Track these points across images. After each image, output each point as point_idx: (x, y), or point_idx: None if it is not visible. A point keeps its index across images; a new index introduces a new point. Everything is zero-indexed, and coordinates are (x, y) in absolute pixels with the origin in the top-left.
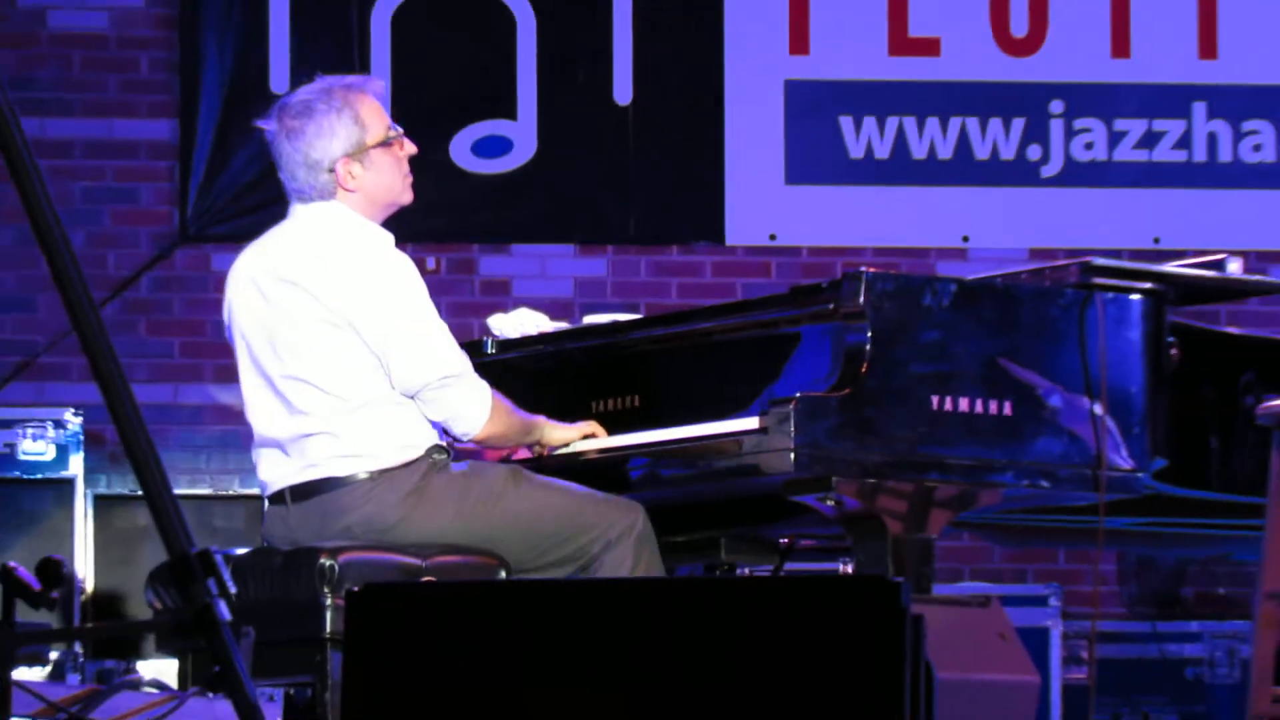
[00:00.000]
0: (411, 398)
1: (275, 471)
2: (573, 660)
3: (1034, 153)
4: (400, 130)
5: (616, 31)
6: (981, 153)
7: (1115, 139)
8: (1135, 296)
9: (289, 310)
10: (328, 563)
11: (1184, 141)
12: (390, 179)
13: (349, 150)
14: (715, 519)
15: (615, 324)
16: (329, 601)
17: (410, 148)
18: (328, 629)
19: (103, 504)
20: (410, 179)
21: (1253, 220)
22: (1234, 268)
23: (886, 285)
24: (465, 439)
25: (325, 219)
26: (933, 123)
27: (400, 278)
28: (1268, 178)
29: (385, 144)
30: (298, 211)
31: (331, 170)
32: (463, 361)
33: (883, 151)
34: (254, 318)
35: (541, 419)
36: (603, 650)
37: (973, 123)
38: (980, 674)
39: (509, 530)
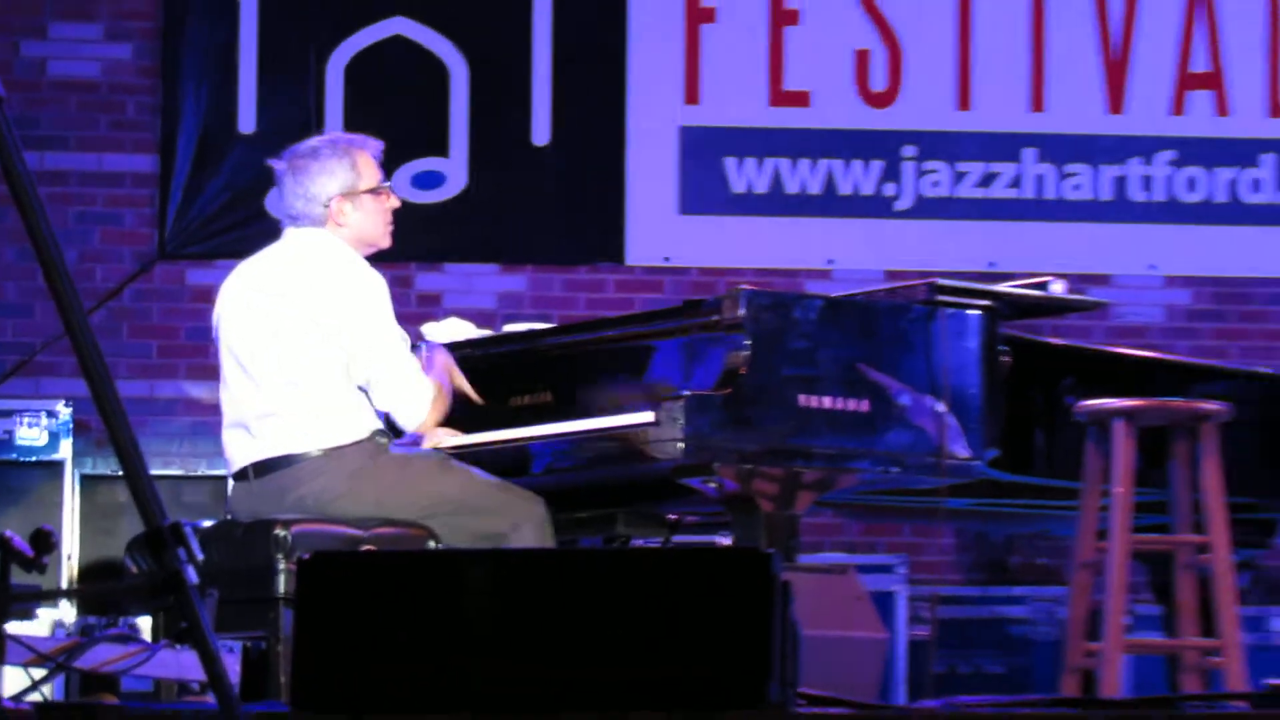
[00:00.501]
0: (367, 389)
1: (241, 450)
2: (491, 619)
3: (889, 189)
4: (389, 184)
5: (536, 82)
6: (844, 189)
7: (958, 178)
8: (973, 312)
9: (271, 312)
10: (282, 533)
11: (1016, 181)
12: (374, 222)
13: (344, 190)
14: (613, 498)
15: (531, 331)
16: (282, 567)
17: (395, 201)
18: (281, 590)
19: (88, 483)
20: (391, 227)
21: (1073, 248)
22: (1057, 288)
23: (763, 300)
24: (406, 429)
25: (313, 241)
26: (804, 163)
27: (374, 289)
28: (1086, 212)
29: (374, 192)
30: (289, 234)
31: (326, 205)
32: (412, 363)
33: (761, 187)
34: (241, 316)
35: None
36: (515, 610)
37: (838, 164)
38: (838, 631)
39: (436, 508)
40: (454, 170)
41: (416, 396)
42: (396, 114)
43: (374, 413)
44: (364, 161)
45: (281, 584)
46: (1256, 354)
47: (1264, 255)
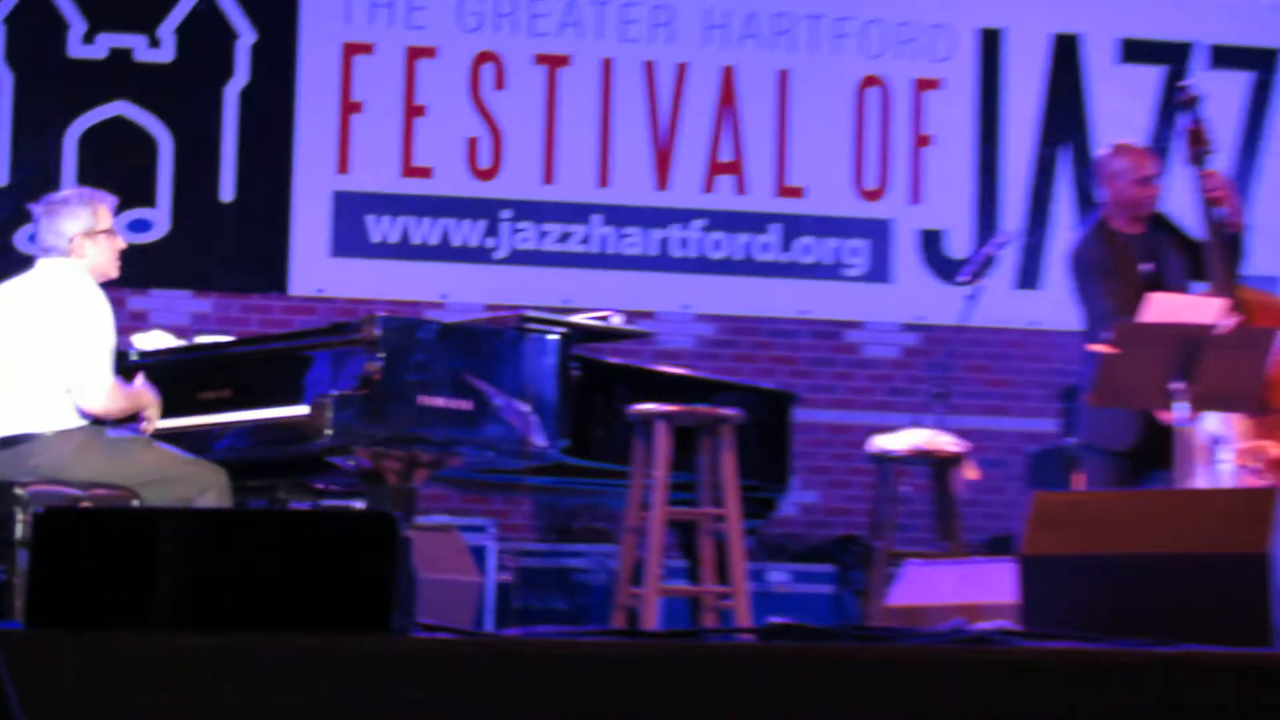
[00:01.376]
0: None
1: None
2: (180, 559)
3: (490, 243)
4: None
5: (224, 154)
6: (456, 242)
7: (542, 235)
8: (551, 337)
9: (21, 323)
10: (20, 492)
11: (586, 239)
12: (107, 259)
13: (84, 230)
14: (276, 470)
15: (216, 343)
16: (20, 518)
17: (121, 243)
18: (19, 536)
19: None
20: (118, 263)
21: (628, 291)
22: (616, 320)
23: (393, 324)
24: (89, 412)
25: (58, 269)
26: (426, 221)
27: (98, 310)
28: (638, 264)
29: (108, 234)
30: (40, 263)
31: (70, 240)
32: (105, 366)
33: (393, 238)
34: None
35: (142, 389)
36: (199, 553)
37: (451, 222)
38: (445, 575)
39: (141, 476)
40: (160, 219)
41: (94, 385)
42: (117, 174)
43: None
44: (102, 211)
45: (19, 530)
46: (762, 374)
47: (769, 300)
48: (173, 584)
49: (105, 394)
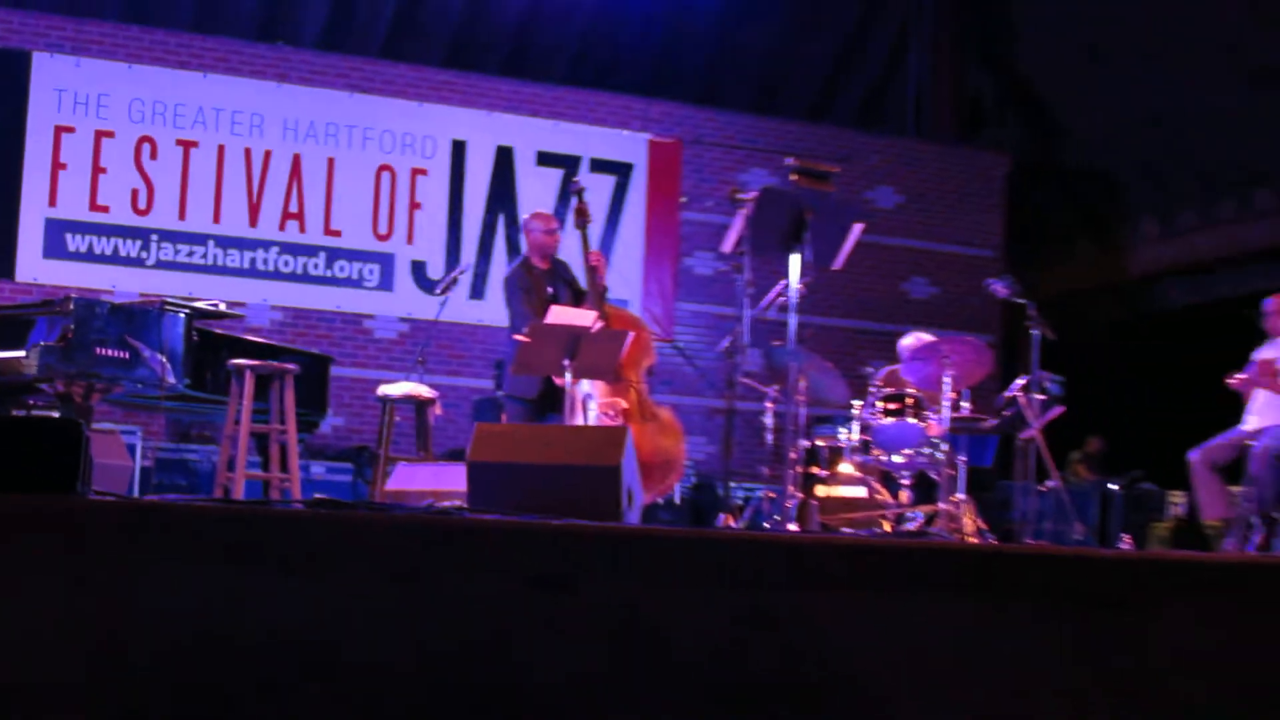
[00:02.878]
0: None
1: None
2: None
3: (144, 254)
4: None
5: None
6: (124, 253)
7: (177, 252)
8: (181, 314)
9: None
10: None
11: (205, 255)
12: None
13: None
14: (2, 392)
15: None
16: None
17: None
18: None
19: None
20: None
21: (229, 289)
22: (222, 307)
23: (81, 302)
24: None
25: None
26: (104, 239)
27: None
28: (239, 273)
29: None
30: None
31: None
32: None
33: (83, 249)
34: None
35: None
36: None
37: (120, 240)
38: (110, 461)
39: None
40: None
41: None
42: None
43: None
44: None
45: None
46: (312, 345)
47: (318, 299)
48: None
49: None
